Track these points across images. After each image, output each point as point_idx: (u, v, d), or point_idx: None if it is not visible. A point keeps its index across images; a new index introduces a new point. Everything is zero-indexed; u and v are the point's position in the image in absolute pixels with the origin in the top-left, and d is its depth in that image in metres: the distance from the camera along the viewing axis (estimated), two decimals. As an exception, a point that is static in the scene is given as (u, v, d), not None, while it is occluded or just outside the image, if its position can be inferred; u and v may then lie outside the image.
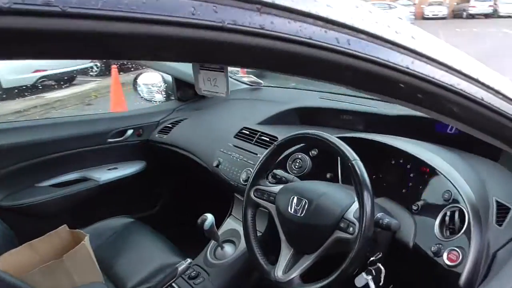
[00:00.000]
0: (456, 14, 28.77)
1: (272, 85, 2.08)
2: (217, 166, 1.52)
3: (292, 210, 0.99)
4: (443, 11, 28.91)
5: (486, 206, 0.95)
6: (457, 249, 0.89)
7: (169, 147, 1.83)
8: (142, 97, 2.13)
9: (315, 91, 1.92)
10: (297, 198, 1.00)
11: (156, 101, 2.09)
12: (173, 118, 1.94)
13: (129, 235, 1.54)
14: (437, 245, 0.93)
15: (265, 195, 1.10)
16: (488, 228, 0.90)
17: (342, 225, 0.92)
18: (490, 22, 23.03)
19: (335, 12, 0.39)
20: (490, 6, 27.35)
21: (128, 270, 1.38)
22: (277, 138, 1.43)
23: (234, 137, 1.57)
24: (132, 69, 6.25)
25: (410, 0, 29.38)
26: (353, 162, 0.91)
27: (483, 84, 0.62)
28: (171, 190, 2.09)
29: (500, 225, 0.90)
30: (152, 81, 2.10)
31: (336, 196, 0.98)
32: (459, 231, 0.91)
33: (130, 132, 1.90)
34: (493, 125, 0.67)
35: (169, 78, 2.05)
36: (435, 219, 0.99)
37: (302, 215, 0.97)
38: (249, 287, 1.28)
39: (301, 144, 1.18)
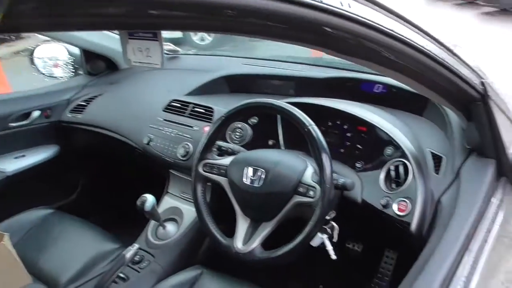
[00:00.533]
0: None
1: (191, 53, 1.99)
2: (148, 143, 1.43)
3: (248, 181, 0.98)
4: None
5: (423, 157, 1.03)
6: (405, 200, 0.96)
7: (86, 127, 1.66)
8: (41, 73, 1.89)
9: (236, 57, 1.89)
10: (253, 168, 0.98)
11: (61, 77, 1.87)
12: (85, 95, 1.75)
13: (51, 227, 1.39)
14: (385, 198, 1.00)
15: (214, 169, 1.06)
16: (429, 177, 0.98)
17: (300, 190, 0.93)
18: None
19: None
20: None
21: (58, 265, 1.25)
22: (212, 108, 1.38)
23: (163, 110, 1.48)
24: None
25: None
26: (310, 127, 0.92)
27: (423, 31, 0.66)
28: (92, 174, 1.92)
29: (437, 173, 0.99)
30: (54, 54, 1.87)
31: (290, 163, 0.99)
32: (404, 182, 0.99)
33: (36, 113, 1.68)
34: (432, 75, 0.72)
35: (75, 50, 1.84)
36: (380, 174, 1.05)
37: (259, 185, 0.96)
38: (198, 263, 1.25)
39: (251, 114, 1.15)
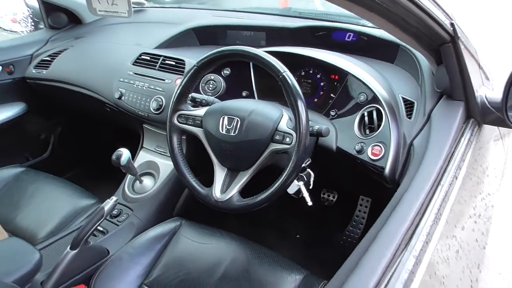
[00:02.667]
0: None
1: (157, 6, 1.91)
2: (120, 98, 1.40)
3: (224, 130, 0.98)
4: None
5: (396, 103, 1.05)
6: (379, 144, 0.99)
7: (53, 83, 1.60)
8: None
9: (204, 9, 1.83)
10: (228, 118, 0.98)
11: (22, 32, 1.77)
12: (49, 50, 1.67)
13: (25, 185, 1.37)
14: (360, 144, 1.02)
15: (189, 120, 1.06)
16: (401, 122, 1.01)
17: (277, 137, 0.94)
18: None
19: None
20: None
21: (35, 221, 1.24)
22: (183, 61, 1.35)
23: (133, 64, 1.43)
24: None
25: None
26: (284, 74, 0.91)
27: None
28: (63, 131, 1.87)
29: (409, 118, 1.02)
30: (11, 7, 1.77)
31: (265, 111, 0.99)
32: (378, 128, 1.01)
33: (-3, 69, 1.60)
34: (405, 14, 0.73)
35: (33, 2, 1.74)
36: (354, 120, 1.07)
37: (235, 133, 0.97)
38: (176, 215, 1.27)
39: (223, 62, 1.12)
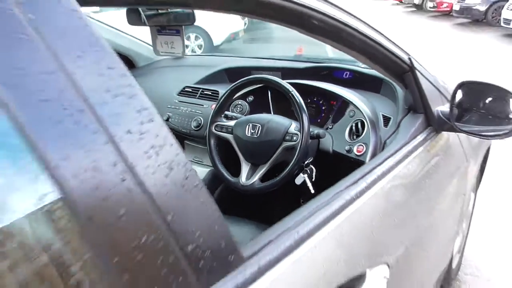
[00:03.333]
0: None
1: (194, 54, 2.38)
2: (167, 119, 1.80)
3: (249, 134, 1.36)
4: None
5: (376, 118, 1.42)
6: (362, 144, 1.34)
7: None
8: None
9: (233, 56, 2.28)
10: (252, 124, 1.36)
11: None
12: None
13: None
14: (349, 145, 1.38)
15: (223, 128, 1.44)
16: (379, 129, 1.37)
17: (287, 137, 1.31)
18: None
19: None
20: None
21: None
22: (217, 91, 1.76)
23: (178, 94, 1.86)
24: None
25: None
26: (292, 92, 1.30)
27: (366, 23, 1.05)
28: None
29: (386, 127, 1.38)
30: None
31: (279, 120, 1.37)
32: (362, 134, 1.37)
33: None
34: (373, 51, 1.10)
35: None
36: (345, 130, 1.43)
37: (257, 136, 1.34)
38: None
39: (253, 87, 1.51)
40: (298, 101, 1.29)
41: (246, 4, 0.79)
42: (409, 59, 1.22)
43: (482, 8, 11.07)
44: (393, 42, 1.18)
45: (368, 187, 0.86)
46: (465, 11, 11.57)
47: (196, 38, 7.01)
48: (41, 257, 0.37)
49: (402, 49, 1.21)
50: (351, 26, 1.01)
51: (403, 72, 1.24)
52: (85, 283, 0.39)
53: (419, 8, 15.80)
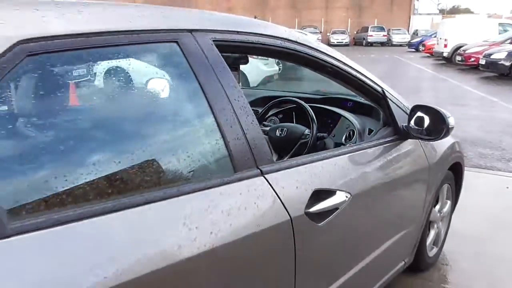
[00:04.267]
0: (357, 42, 32.18)
1: (244, 87, 3.18)
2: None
3: (278, 134, 2.07)
4: (346, 39, 32.18)
5: (363, 129, 2.11)
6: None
7: None
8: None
9: (272, 90, 3.06)
10: (280, 128, 2.08)
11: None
12: None
13: None
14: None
15: (263, 131, 2.17)
16: (365, 136, 2.06)
17: (302, 137, 2.02)
18: (384, 50, 26.30)
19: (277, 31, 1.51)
20: (384, 36, 31.09)
21: None
22: (258, 111, 2.51)
23: None
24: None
25: (317, 29, 32.36)
26: (309, 110, 2.03)
27: (354, 67, 1.78)
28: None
29: (369, 135, 2.07)
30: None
31: (298, 126, 2.08)
32: (352, 138, 2.07)
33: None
34: (356, 84, 1.82)
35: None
36: (342, 136, 2.13)
37: (284, 135, 2.06)
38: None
39: (283, 105, 2.27)
40: (311, 115, 2.01)
41: (288, 56, 1.55)
42: (382, 90, 1.92)
43: (507, 63, 11.63)
44: (373, 81, 1.89)
45: (342, 153, 1.56)
46: (491, 65, 12.15)
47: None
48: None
49: (377, 84, 1.91)
50: (347, 72, 1.73)
51: (379, 99, 1.94)
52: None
53: (448, 61, 16.47)
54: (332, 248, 1.46)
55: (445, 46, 16.56)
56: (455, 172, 2.57)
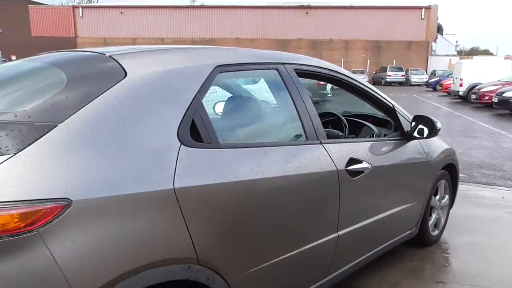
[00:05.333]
0: (376, 81, 33.29)
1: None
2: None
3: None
4: (365, 78, 33.41)
5: (380, 134, 3.00)
6: (372, 143, 2.93)
7: None
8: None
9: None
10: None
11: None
12: None
13: None
14: None
15: None
16: (382, 137, 2.95)
17: (337, 137, 2.92)
18: (403, 89, 27.25)
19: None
20: (402, 75, 32.13)
21: None
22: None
23: None
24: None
25: (338, 68, 33.61)
26: (343, 119, 2.94)
27: (368, 87, 2.72)
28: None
29: (385, 136, 2.96)
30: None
31: (334, 130, 2.97)
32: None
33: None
34: (374, 101, 2.75)
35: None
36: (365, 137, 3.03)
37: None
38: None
39: (325, 117, 3.21)
40: (344, 122, 2.91)
41: (333, 81, 2.50)
42: (393, 106, 2.83)
43: (518, 101, 12.40)
44: (387, 100, 2.81)
45: (367, 141, 2.48)
46: (503, 103, 12.93)
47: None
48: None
49: (390, 102, 2.83)
50: (370, 93, 2.67)
51: (390, 112, 2.85)
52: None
53: (464, 99, 17.29)
54: (361, 196, 2.33)
55: (461, 85, 17.43)
56: (451, 173, 3.41)
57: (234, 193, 1.59)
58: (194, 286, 1.46)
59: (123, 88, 1.43)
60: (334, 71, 2.47)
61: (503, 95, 12.93)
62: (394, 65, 33.86)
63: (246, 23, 40.42)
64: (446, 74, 26.77)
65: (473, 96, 15.61)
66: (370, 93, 2.69)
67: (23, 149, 1.16)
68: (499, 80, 15.37)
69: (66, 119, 1.27)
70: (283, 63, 2.12)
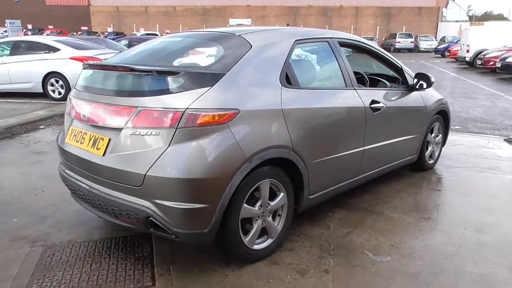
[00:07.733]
0: (385, 48, 33.90)
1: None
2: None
3: (348, 89, 4.15)
4: (374, 45, 33.82)
5: (391, 87, 4.15)
6: (386, 94, 4.09)
7: None
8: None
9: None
10: None
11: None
12: None
13: None
14: None
15: None
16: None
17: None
18: (412, 55, 27.94)
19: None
20: (412, 42, 32.64)
21: None
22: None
23: None
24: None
25: (348, 35, 34.09)
26: (365, 75, 4.09)
27: (381, 51, 3.87)
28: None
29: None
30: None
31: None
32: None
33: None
34: (386, 61, 3.89)
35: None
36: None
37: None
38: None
39: None
40: (367, 79, 4.05)
41: (357, 48, 3.65)
42: (400, 66, 3.97)
43: (520, 66, 13.31)
44: (396, 61, 3.95)
45: (382, 89, 3.66)
46: (506, 68, 13.84)
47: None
48: None
49: (398, 63, 3.96)
50: (383, 55, 3.81)
51: (399, 70, 3.98)
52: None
53: (470, 65, 18.16)
54: (378, 125, 3.50)
55: (468, 51, 18.24)
56: (444, 117, 4.57)
57: (308, 114, 2.78)
58: (288, 164, 2.67)
59: (251, 54, 2.60)
60: (360, 42, 3.61)
61: (506, 60, 13.82)
62: (403, 32, 34.29)
63: (257, -10, 40.69)
64: (455, 41, 27.35)
65: (479, 62, 16.46)
66: (384, 56, 3.83)
67: (215, 83, 2.35)
68: (505, 46, 16.16)
69: (229, 70, 2.45)
70: (331, 38, 3.27)
